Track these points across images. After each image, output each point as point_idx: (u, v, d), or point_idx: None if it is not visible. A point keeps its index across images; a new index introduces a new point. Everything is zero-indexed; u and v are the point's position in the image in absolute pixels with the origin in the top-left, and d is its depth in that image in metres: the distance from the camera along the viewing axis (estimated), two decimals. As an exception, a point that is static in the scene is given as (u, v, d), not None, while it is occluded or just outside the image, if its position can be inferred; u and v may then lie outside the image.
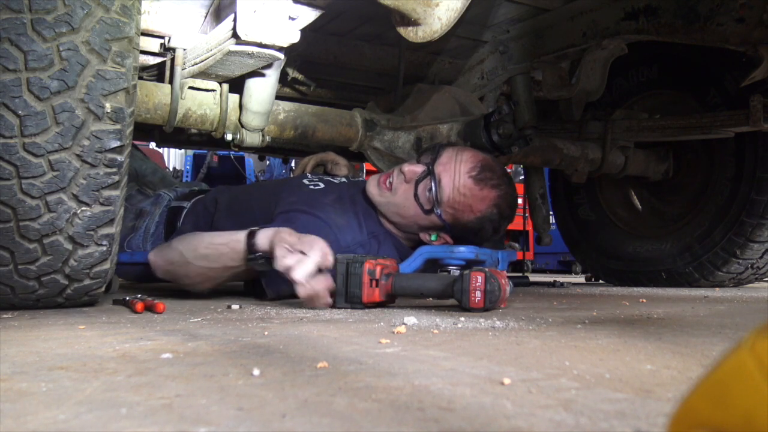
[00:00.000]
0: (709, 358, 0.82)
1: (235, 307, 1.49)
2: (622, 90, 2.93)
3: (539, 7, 2.17)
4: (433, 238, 1.76)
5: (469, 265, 1.73)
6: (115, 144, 1.25)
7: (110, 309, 1.50)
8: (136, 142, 2.95)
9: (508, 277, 1.41)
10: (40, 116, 1.16)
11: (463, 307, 1.37)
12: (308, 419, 0.51)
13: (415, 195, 1.69)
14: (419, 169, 1.71)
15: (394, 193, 1.73)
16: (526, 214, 3.20)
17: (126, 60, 1.24)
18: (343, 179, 1.95)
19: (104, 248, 1.32)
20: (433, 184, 1.67)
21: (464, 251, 1.70)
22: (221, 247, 1.54)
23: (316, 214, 1.70)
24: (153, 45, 1.88)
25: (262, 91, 1.82)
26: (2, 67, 1.13)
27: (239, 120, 1.89)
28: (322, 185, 1.87)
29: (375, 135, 2.14)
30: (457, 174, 1.69)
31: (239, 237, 1.49)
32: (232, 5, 1.48)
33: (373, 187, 1.77)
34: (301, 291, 1.36)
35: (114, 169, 1.26)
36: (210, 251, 1.55)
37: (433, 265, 1.74)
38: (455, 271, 1.69)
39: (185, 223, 1.99)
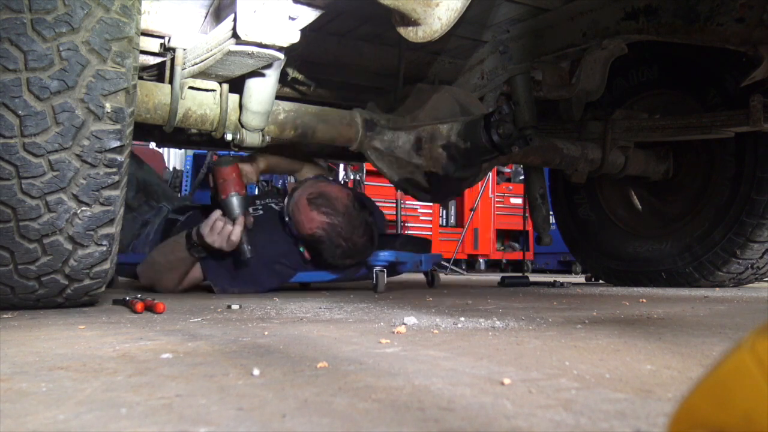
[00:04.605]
0: (709, 358, 0.82)
1: (235, 307, 1.49)
2: (622, 90, 2.93)
3: (539, 7, 2.17)
4: (300, 250, 2.19)
5: (391, 266, 2.21)
6: (115, 144, 1.24)
7: (110, 309, 1.50)
8: (136, 143, 2.97)
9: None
10: (40, 116, 1.16)
11: None
12: (308, 419, 0.51)
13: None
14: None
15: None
16: (526, 214, 3.19)
17: (126, 60, 1.24)
18: (261, 211, 2.30)
19: (104, 248, 1.32)
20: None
21: (386, 255, 2.18)
22: (173, 244, 2.07)
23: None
24: (153, 45, 1.88)
25: (262, 91, 1.82)
26: (2, 67, 1.13)
27: (239, 120, 1.88)
28: (261, 211, 2.30)
29: (375, 135, 2.14)
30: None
31: (182, 238, 2.04)
32: (232, 5, 1.48)
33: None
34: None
35: (114, 169, 1.26)
36: (167, 248, 2.10)
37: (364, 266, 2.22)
38: (379, 271, 2.16)
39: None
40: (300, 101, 2.12)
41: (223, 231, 1.94)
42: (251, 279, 2.14)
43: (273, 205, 2.38)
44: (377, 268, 2.19)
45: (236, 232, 1.94)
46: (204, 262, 2.09)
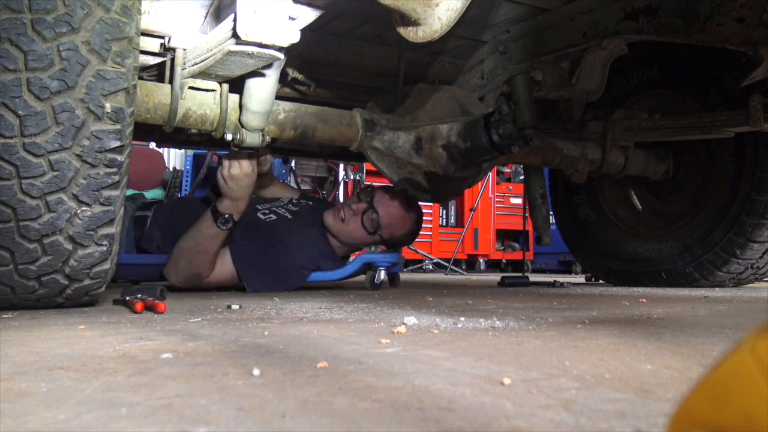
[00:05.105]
0: (709, 358, 0.82)
1: (235, 307, 1.49)
2: (622, 90, 2.93)
3: (539, 7, 2.17)
4: (372, 249, 2.50)
5: (391, 265, 2.50)
6: (115, 144, 1.24)
7: (110, 309, 1.50)
8: (136, 143, 2.97)
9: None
10: (40, 116, 1.16)
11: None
12: (308, 419, 0.51)
13: (362, 223, 2.35)
14: (363, 205, 2.37)
15: (347, 223, 2.36)
16: (526, 214, 3.19)
17: (126, 60, 1.24)
18: (288, 215, 2.44)
19: (104, 248, 1.32)
20: (375, 215, 2.34)
21: (390, 257, 2.47)
22: (199, 224, 2.05)
23: (278, 238, 2.27)
24: (153, 45, 1.88)
25: (262, 91, 1.82)
26: (2, 67, 1.13)
27: (239, 120, 1.88)
28: (274, 217, 2.42)
29: (375, 135, 2.14)
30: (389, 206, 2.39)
31: (207, 212, 2.05)
32: (232, 5, 1.48)
33: (330, 219, 2.40)
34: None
35: (114, 169, 1.26)
36: (193, 232, 2.06)
37: (369, 266, 2.46)
38: (382, 271, 2.41)
39: (152, 229, 2.44)
40: (300, 101, 2.12)
41: (233, 166, 1.95)
42: (281, 278, 2.23)
43: (292, 206, 2.50)
44: (381, 268, 2.43)
45: (245, 164, 1.97)
46: (234, 250, 2.14)
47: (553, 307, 1.62)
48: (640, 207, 3.09)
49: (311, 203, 2.60)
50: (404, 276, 5.50)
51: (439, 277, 5.44)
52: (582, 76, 2.33)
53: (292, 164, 6.57)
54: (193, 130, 1.96)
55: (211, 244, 2.06)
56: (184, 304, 1.61)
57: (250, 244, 2.21)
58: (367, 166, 6.36)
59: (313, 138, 2.06)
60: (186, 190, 6.91)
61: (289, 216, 2.45)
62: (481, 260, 8.28)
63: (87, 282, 1.36)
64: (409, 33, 1.50)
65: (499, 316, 1.31)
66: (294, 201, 2.57)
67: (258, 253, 2.19)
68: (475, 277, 5.56)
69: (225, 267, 2.14)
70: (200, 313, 1.37)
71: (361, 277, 2.49)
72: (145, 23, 1.76)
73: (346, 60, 2.35)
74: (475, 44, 2.41)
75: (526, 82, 2.34)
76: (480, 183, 6.10)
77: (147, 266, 2.36)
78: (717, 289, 2.69)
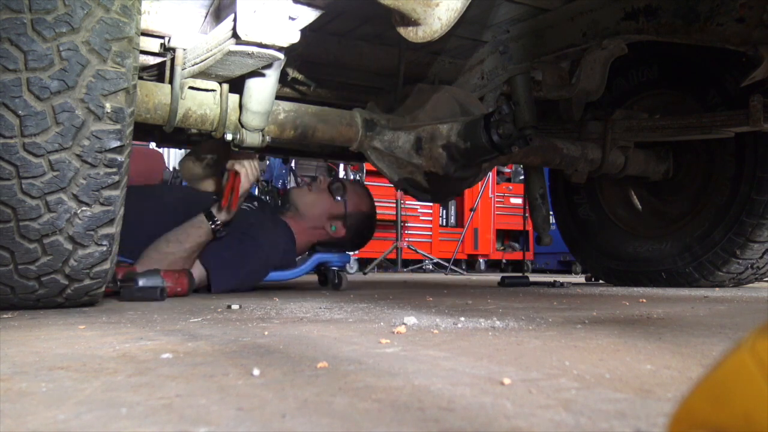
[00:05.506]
0: (709, 358, 0.82)
1: (235, 307, 1.49)
2: (622, 90, 2.93)
3: (539, 7, 2.17)
4: (332, 228, 2.47)
5: (343, 265, 2.58)
6: (115, 144, 1.24)
7: (110, 309, 1.50)
8: (136, 143, 2.96)
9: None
10: (40, 116, 1.16)
11: None
12: (308, 419, 0.51)
13: (330, 190, 2.45)
14: (329, 180, 2.52)
15: (315, 192, 2.46)
16: (526, 214, 3.19)
17: (126, 60, 1.24)
18: (248, 207, 2.39)
19: (104, 248, 1.32)
20: (341, 184, 2.47)
21: (343, 257, 2.56)
22: (188, 229, 2.04)
23: (249, 234, 2.20)
24: (153, 45, 1.88)
25: (262, 91, 1.82)
26: (2, 67, 1.13)
27: (239, 120, 1.88)
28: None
29: (375, 135, 2.14)
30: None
31: (200, 217, 2.05)
32: (232, 5, 1.48)
33: (296, 190, 2.52)
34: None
35: (114, 169, 1.26)
36: (179, 235, 2.03)
37: (322, 266, 2.54)
38: (339, 271, 2.47)
39: None
40: (300, 101, 2.12)
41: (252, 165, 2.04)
42: (247, 278, 2.21)
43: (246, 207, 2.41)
44: (335, 268, 2.50)
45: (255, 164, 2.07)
46: (206, 253, 2.10)
47: (553, 307, 1.62)
48: (640, 207, 3.09)
49: (254, 206, 2.48)
50: (404, 276, 5.51)
51: (439, 277, 5.44)
52: (582, 76, 2.33)
53: (292, 164, 6.57)
54: (193, 130, 1.96)
55: (199, 249, 2.06)
56: (184, 304, 1.61)
57: (220, 242, 2.13)
58: (367, 166, 6.37)
59: (313, 138, 2.06)
60: (186, 190, 6.90)
61: (252, 207, 2.40)
62: (481, 260, 8.29)
63: (87, 282, 1.36)
64: (409, 33, 1.50)
65: (499, 316, 1.31)
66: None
67: (230, 251, 2.13)
68: (475, 277, 5.57)
69: (196, 269, 2.08)
70: (200, 313, 1.37)
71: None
72: (145, 23, 1.76)
73: (346, 60, 2.35)
74: (475, 44, 2.41)
75: (526, 82, 2.34)
76: (480, 183, 6.10)
77: None
78: (717, 289, 2.69)
